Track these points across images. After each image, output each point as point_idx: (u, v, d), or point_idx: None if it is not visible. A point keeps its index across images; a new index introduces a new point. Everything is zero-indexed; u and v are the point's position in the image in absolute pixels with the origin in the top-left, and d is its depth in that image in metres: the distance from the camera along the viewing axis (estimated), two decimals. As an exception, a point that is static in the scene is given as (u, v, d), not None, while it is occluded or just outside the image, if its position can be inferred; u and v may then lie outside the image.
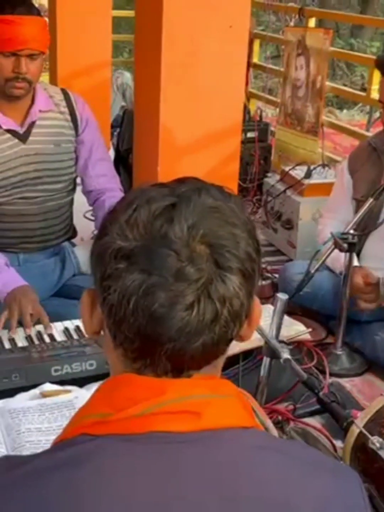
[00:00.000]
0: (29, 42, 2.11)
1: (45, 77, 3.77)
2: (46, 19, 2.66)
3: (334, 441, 1.88)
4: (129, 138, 3.05)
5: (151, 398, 0.75)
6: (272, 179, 3.59)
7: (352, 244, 2.23)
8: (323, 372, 2.23)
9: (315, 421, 1.99)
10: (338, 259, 2.34)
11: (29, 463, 0.75)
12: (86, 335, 0.85)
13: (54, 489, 0.71)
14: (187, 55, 2.50)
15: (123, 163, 3.27)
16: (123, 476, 0.72)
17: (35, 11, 2.17)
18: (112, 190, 2.47)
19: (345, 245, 2.21)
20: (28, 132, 2.29)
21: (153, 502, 0.71)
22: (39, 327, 2.04)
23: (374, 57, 3.61)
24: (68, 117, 2.36)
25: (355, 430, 1.65)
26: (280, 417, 1.95)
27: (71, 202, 2.52)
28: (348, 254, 2.25)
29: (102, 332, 0.83)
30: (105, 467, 0.72)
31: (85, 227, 2.88)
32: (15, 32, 2.10)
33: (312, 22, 4.14)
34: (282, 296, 1.86)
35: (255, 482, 0.74)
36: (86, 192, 2.49)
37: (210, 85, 2.56)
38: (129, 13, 6.48)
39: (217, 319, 0.75)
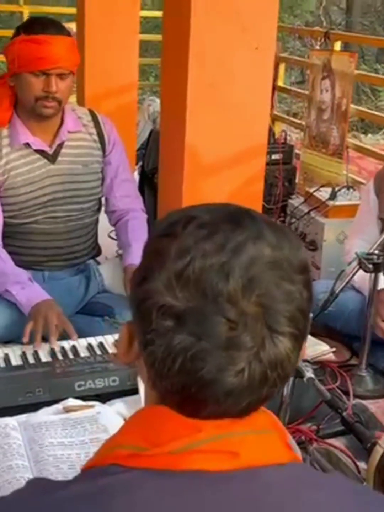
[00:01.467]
0: (59, 61, 2.15)
1: (72, 99, 3.82)
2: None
3: (358, 462, 1.85)
4: (154, 158, 3.08)
5: (187, 435, 0.73)
6: (296, 201, 3.60)
7: (377, 265, 2.21)
8: (347, 393, 2.21)
9: (338, 442, 1.96)
10: (366, 281, 2.32)
11: (64, 489, 0.74)
12: (120, 362, 0.83)
13: None
14: (214, 76, 2.53)
15: (148, 182, 3.30)
16: (153, 507, 0.71)
17: (65, 32, 2.21)
18: (134, 210, 2.49)
19: (370, 266, 2.20)
20: (57, 153, 2.32)
21: None
22: (63, 343, 2.06)
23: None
24: (96, 138, 2.39)
25: (379, 451, 1.63)
26: (303, 437, 1.93)
27: (97, 222, 2.54)
28: (373, 274, 2.24)
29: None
30: (139, 501, 0.71)
31: (110, 246, 2.91)
32: (45, 51, 2.13)
33: (337, 46, 4.16)
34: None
35: None
36: (109, 212, 2.52)
37: (236, 106, 2.58)
38: (156, 36, 6.58)
39: (266, 381, 0.73)
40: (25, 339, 2.02)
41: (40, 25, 2.15)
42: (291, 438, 1.59)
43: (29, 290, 2.18)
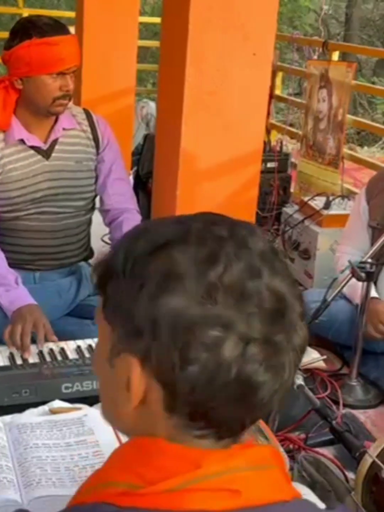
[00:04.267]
0: (75, 60, 2.22)
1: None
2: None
3: (346, 472, 1.84)
4: (149, 162, 3.08)
5: (185, 471, 0.69)
6: (290, 209, 3.59)
7: (370, 274, 2.21)
8: (336, 402, 2.20)
9: (327, 451, 1.95)
10: (356, 289, 2.32)
11: None
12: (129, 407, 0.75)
13: None
14: (210, 82, 2.52)
15: (142, 187, 3.29)
16: None
17: (68, 30, 2.24)
18: (129, 211, 2.47)
19: (363, 274, 2.19)
20: (51, 149, 2.32)
21: None
22: (51, 345, 2.04)
23: (396, 91, 3.62)
24: (90, 136, 2.39)
25: (368, 460, 1.61)
26: (291, 446, 1.92)
27: (89, 222, 2.53)
28: (365, 283, 2.23)
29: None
30: None
31: (102, 250, 2.89)
32: (63, 52, 2.17)
33: (335, 56, 4.17)
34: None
35: None
36: (103, 211, 2.50)
37: (232, 112, 2.58)
38: (154, 43, 6.59)
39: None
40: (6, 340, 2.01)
41: (50, 28, 2.17)
42: (280, 446, 1.58)
43: (13, 293, 2.16)
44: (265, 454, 0.75)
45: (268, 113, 4.55)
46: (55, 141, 2.32)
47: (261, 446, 0.77)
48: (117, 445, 1.49)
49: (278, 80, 4.81)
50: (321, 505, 1.36)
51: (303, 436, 1.97)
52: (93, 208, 2.51)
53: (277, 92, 4.82)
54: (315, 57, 4.21)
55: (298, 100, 4.64)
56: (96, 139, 2.40)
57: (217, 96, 2.54)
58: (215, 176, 2.67)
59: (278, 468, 0.75)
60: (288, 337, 0.71)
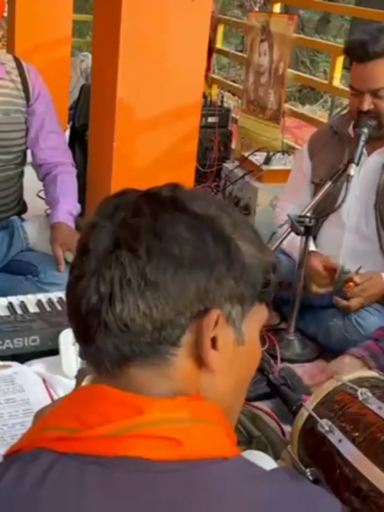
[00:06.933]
0: None
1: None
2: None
3: (283, 425, 1.84)
4: (85, 114, 2.97)
5: (127, 418, 0.67)
6: (231, 165, 3.54)
7: (308, 228, 2.19)
8: (274, 357, 2.19)
9: (264, 405, 1.94)
10: (295, 243, 2.30)
11: None
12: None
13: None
14: (147, 29, 2.43)
15: (78, 139, 3.18)
16: (88, 508, 0.64)
17: None
18: (64, 164, 2.39)
19: (302, 228, 2.17)
20: None
21: None
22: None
23: (337, 45, 3.59)
24: (20, 86, 2.28)
25: (304, 413, 1.60)
26: (229, 400, 1.90)
27: (21, 175, 2.43)
28: (304, 237, 2.21)
29: None
30: (68, 494, 0.65)
31: (38, 206, 2.79)
32: None
33: (277, 8, 4.09)
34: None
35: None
36: (37, 166, 2.41)
37: (170, 61, 2.50)
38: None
39: None
40: None
41: None
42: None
43: None
44: (210, 409, 0.73)
45: (209, 67, 4.46)
46: None
47: (207, 402, 0.74)
48: (49, 402, 1.44)
49: (219, 34, 4.71)
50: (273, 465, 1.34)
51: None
52: (23, 162, 2.40)
53: (219, 45, 4.72)
54: (256, 9, 4.12)
55: (240, 53, 4.55)
56: (26, 90, 2.29)
57: (154, 44, 2.45)
58: (153, 127, 2.59)
59: (221, 425, 0.73)
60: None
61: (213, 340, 0.73)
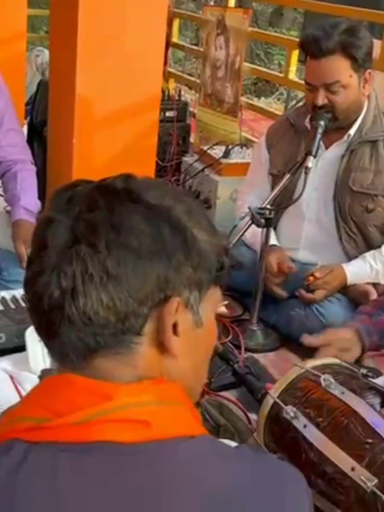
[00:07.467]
0: None
1: None
2: None
3: (249, 414, 1.87)
4: (43, 110, 2.96)
5: (96, 404, 0.69)
6: (190, 159, 3.57)
7: (269, 220, 2.22)
8: (238, 347, 2.23)
9: (230, 395, 1.98)
10: (257, 236, 2.33)
11: None
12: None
13: None
14: (105, 24, 2.44)
15: (37, 135, 3.17)
16: (64, 494, 0.66)
17: None
18: (23, 162, 2.38)
19: (262, 221, 2.20)
20: None
21: None
22: None
23: (293, 39, 3.63)
24: None
25: (269, 401, 1.63)
26: (195, 391, 1.93)
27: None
28: (265, 229, 2.25)
29: None
30: (43, 482, 0.66)
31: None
32: None
33: (231, 2, 4.12)
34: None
35: (213, 488, 0.69)
36: None
37: (128, 56, 2.51)
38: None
39: None
40: None
41: None
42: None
43: None
44: (174, 391, 0.76)
45: (166, 61, 4.47)
46: None
47: (171, 383, 0.76)
48: (17, 398, 1.44)
49: (175, 28, 4.72)
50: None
51: (206, 380, 1.98)
52: None
53: (174, 39, 4.74)
54: (212, 2, 4.14)
55: (196, 47, 4.57)
56: None
57: (112, 38, 2.46)
58: (113, 123, 2.60)
59: (185, 405, 0.76)
60: None
61: (174, 326, 0.76)
